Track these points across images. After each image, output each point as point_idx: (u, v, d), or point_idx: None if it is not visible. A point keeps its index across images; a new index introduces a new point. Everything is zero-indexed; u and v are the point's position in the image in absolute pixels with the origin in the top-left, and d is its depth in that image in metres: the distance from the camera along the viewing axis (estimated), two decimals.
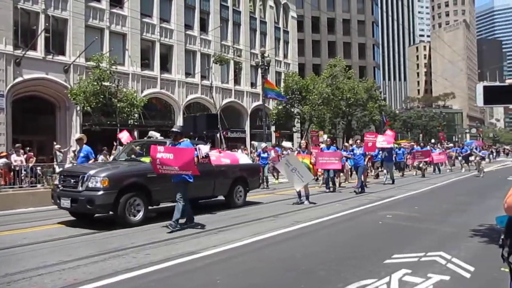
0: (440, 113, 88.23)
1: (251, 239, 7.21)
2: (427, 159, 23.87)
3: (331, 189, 15.46)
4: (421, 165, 24.04)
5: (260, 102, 36.60)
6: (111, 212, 8.52)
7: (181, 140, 8.38)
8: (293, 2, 50.63)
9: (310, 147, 12.39)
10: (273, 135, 40.94)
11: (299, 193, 11.77)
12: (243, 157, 13.29)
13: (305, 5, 58.98)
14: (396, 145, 27.34)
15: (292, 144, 31.49)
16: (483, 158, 23.81)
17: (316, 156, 15.35)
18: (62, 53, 26.84)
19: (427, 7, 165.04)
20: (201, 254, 6.13)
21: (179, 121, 34.10)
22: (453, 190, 16.02)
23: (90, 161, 10.62)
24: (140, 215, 8.69)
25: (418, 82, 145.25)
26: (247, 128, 40.81)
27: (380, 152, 19.35)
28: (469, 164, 26.29)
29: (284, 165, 11.79)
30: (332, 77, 38.09)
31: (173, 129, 8.69)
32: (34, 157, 18.28)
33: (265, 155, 18.87)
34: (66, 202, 8.51)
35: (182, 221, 8.25)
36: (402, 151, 25.28)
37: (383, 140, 19.13)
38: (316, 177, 18.46)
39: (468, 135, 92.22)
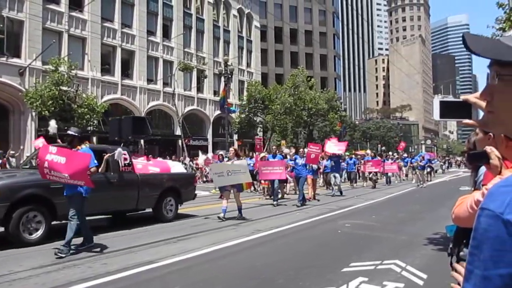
0: (398, 124, 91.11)
1: (211, 248, 7.17)
2: (377, 170, 23.10)
3: (276, 202, 13.76)
4: (371, 175, 23.29)
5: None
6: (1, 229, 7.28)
7: (80, 146, 6.94)
8: (257, 12, 51.13)
9: (240, 153, 11.31)
10: (236, 143, 40.98)
11: (225, 208, 10.26)
12: (176, 166, 12.10)
13: (268, 16, 59.66)
14: (347, 154, 27.49)
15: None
16: (423, 168, 23.62)
17: (258, 165, 14.43)
18: (17, 55, 25.88)
19: (385, 21, 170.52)
20: (160, 263, 6.04)
21: None
22: (408, 199, 16.53)
23: None
24: (39, 233, 7.38)
25: (377, 93, 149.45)
26: (210, 136, 40.64)
27: (330, 161, 18.45)
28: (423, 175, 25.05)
29: (217, 178, 10.64)
30: (295, 87, 38.61)
31: (69, 132, 7.13)
32: None
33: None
34: None
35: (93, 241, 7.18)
36: (353, 161, 24.49)
37: (335, 145, 18.85)
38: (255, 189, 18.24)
39: (423, 146, 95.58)
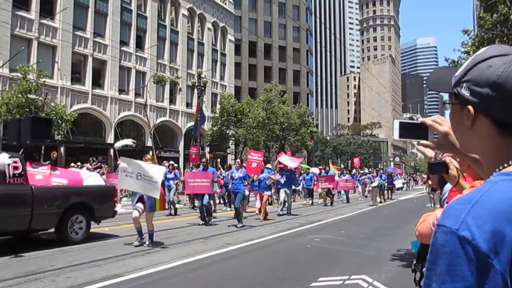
0: (368, 141, 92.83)
1: (180, 261, 7.08)
2: (330, 186, 21.01)
3: (207, 220, 12.12)
4: (324, 192, 21.34)
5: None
6: None
7: None
8: (231, 26, 51.48)
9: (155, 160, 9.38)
10: (208, 156, 40.77)
11: (139, 230, 8.56)
12: (91, 177, 9.95)
13: (243, 30, 60.14)
14: (307, 168, 26.40)
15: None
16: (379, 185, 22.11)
17: (185, 177, 13.04)
18: None
19: (357, 40, 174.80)
20: (126, 277, 5.92)
21: (111, 139, 33.02)
22: (376, 215, 16.77)
23: None
24: None
25: (348, 110, 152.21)
26: (181, 148, 40.30)
27: (282, 176, 15.91)
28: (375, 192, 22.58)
29: (124, 177, 8.60)
30: (268, 101, 38.89)
31: None
32: None
33: (172, 175, 15.35)
34: None
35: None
36: (310, 176, 22.25)
37: (289, 159, 17.42)
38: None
39: (392, 163, 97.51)
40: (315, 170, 25.89)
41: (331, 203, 20.72)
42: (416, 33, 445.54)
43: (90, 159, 23.03)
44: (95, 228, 9.76)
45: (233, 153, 42.35)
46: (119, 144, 9.99)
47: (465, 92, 0.91)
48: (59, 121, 23.53)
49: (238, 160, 13.91)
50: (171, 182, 15.09)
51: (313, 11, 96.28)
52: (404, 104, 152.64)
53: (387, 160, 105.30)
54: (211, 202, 13.63)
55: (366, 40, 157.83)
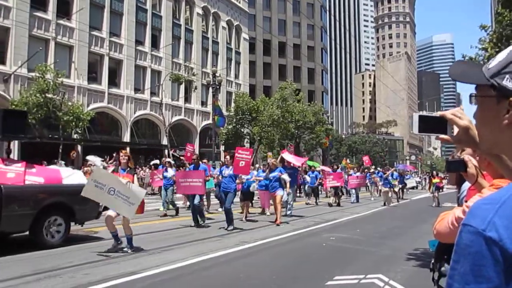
0: (383, 139, 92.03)
1: (195, 259, 7.12)
2: (338, 184, 19.79)
3: (201, 221, 11.38)
4: (333, 191, 19.82)
5: (210, 121, 36.59)
6: None
7: None
8: (246, 24, 51.51)
9: (131, 163, 8.25)
10: (222, 154, 40.90)
11: (115, 234, 7.70)
12: (73, 175, 9.01)
13: (257, 28, 60.14)
14: (311, 166, 24.80)
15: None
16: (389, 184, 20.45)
17: (176, 177, 12.03)
18: (2, 62, 25.65)
19: (372, 38, 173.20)
20: (142, 275, 5.97)
21: (127, 137, 33.36)
22: (392, 215, 16.62)
23: None
24: None
25: (363, 108, 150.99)
26: (196, 146, 40.46)
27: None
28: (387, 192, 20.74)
29: (93, 188, 7.37)
30: (283, 99, 38.81)
31: None
32: None
33: (168, 173, 14.12)
34: None
35: None
36: (315, 174, 20.97)
37: (293, 157, 16.63)
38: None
39: (408, 162, 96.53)
40: (326, 168, 25.40)
41: (338, 204, 19.24)
42: (432, 30, 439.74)
43: (105, 157, 23.19)
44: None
45: (193, 147, 42.31)
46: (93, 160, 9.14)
47: (508, 84, 0.87)
48: (76, 120, 23.82)
49: (227, 156, 12.72)
50: (170, 177, 13.75)
51: (327, 8, 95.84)
52: (420, 102, 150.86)
53: (403, 159, 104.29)
54: (204, 202, 12.80)
55: (381, 37, 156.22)
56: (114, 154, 14.63)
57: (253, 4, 60.01)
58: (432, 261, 2.38)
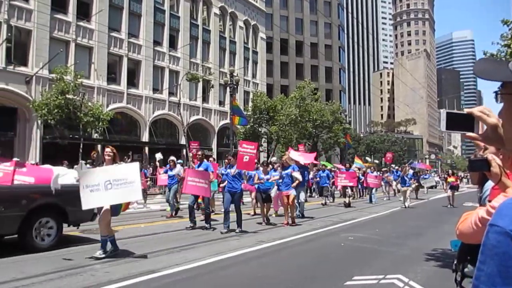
0: (402, 138, 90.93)
1: (213, 258, 7.15)
2: (351, 184, 18.94)
3: (208, 225, 10.68)
4: (348, 191, 18.87)
5: (228, 121, 36.73)
6: None
7: None
8: (263, 24, 51.50)
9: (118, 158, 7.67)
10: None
11: (112, 239, 7.20)
12: (67, 175, 8.28)
13: (274, 28, 60.10)
14: (322, 164, 23.85)
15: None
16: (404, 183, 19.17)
17: (186, 174, 11.23)
18: (24, 64, 26.14)
19: (390, 35, 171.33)
20: (161, 273, 6.03)
21: (145, 137, 33.70)
22: (411, 214, 16.42)
23: None
24: None
25: (382, 107, 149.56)
26: (214, 146, 40.72)
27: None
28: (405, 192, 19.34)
29: (88, 194, 6.87)
30: (301, 99, 38.70)
31: None
32: None
33: (173, 172, 13.56)
34: None
35: None
36: (326, 173, 20.09)
37: (300, 155, 15.81)
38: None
39: (427, 161, 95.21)
40: (339, 165, 24.58)
41: (348, 205, 18.07)
42: (451, 26, 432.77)
43: (125, 157, 23.49)
44: (131, 225, 9.96)
45: (266, 151, 42.40)
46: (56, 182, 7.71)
47: None
48: (96, 121, 24.12)
49: (229, 156, 12.03)
50: (176, 174, 13.38)
51: (344, 6, 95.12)
52: (440, 100, 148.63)
53: (422, 158, 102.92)
54: (209, 204, 11.94)
55: (399, 34, 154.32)
56: (130, 153, 14.42)
57: (270, 3, 59.98)
58: (455, 262, 2.35)
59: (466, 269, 2.21)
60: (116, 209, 7.18)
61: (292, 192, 11.80)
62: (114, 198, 6.88)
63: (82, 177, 7.03)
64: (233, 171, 10.53)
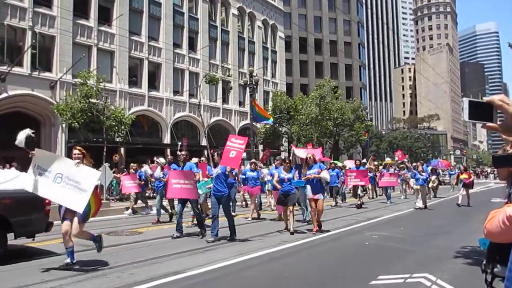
0: (425, 134, 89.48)
1: (237, 258, 7.17)
2: (362, 183, 17.56)
3: (202, 232, 9.69)
4: (358, 191, 17.47)
5: (248, 121, 36.77)
6: None
7: None
8: (281, 23, 51.39)
9: (88, 159, 6.61)
10: (261, 154, 41.03)
11: (71, 250, 6.35)
12: (16, 179, 7.08)
13: (292, 26, 59.90)
14: (333, 163, 22.39)
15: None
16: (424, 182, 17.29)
17: (168, 178, 10.01)
18: (49, 69, 26.74)
19: (411, 30, 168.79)
20: (186, 274, 6.07)
21: (167, 139, 34.04)
22: (436, 212, 16.14)
23: None
24: None
25: (404, 103, 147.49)
26: None
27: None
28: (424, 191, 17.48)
29: (35, 174, 6.17)
30: (321, 97, 38.48)
31: None
32: None
33: (156, 173, 12.62)
34: None
35: None
36: (336, 172, 18.76)
37: (305, 151, 13.25)
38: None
39: (452, 157, 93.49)
40: (349, 163, 22.35)
41: (360, 206, 16.84)
42: (474, 19, 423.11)
43: (148, 160, 23.52)
44: (154, 227, 10.00)
45: (287, 151, 42.33)
46: (20, 138, 6.28)
47: None
48: (118, 124, 24.43)
49: (215, 153, 11.00)
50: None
51: (363, 2, 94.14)
52: (464, 94, 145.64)
53: (447, 154, 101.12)
54: (202, 208, 11.14)
55: (420, 29, 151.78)
56: (155, 158, 14.10)
57: (288, 2, 59.80)
58: (484, 262, 2.29)
59: (496, 269, 2.16)
60: (85, 216, 6.26)
61: (320, 197, 10.30)
62: (55, 195, 6.12)
63: (39, 156, 6.27)
64: (215, 171, 9.33)
